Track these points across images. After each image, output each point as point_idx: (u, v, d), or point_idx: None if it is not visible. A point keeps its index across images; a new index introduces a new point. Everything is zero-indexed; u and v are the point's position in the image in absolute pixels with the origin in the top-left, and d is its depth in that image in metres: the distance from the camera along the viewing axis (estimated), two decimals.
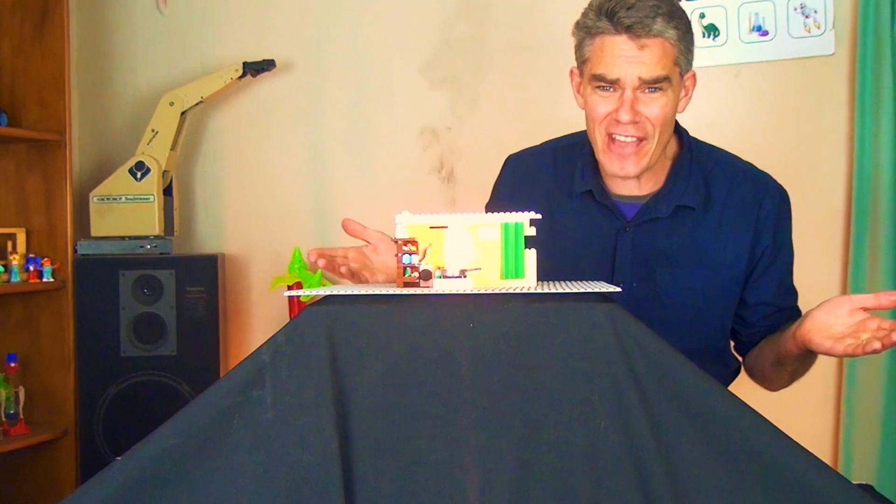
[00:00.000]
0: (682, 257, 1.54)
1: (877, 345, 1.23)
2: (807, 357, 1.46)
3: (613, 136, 1.45)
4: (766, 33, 2.77)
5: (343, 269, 1.48)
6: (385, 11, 3.11)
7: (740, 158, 1.61)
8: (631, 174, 1.48)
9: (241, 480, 1.01)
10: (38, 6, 2.87)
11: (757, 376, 1.64)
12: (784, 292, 1.61)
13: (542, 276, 1.53)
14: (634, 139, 1.44)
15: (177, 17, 3.32)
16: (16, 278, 2.76)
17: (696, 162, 1.56)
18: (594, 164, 1.54)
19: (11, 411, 2.78)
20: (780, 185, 1.60)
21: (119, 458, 1.03)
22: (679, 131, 1.58)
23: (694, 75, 1.50)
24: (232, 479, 1.01)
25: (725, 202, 1.55)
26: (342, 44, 3.16)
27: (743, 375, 1.67)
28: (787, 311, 1.59)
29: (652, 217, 1.54)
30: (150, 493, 1.01)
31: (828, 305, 1.35)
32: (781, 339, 1.48)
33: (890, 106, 2.58)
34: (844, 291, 2.62)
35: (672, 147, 1.56)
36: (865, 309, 1.32)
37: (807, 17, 2.74)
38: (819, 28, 2.73)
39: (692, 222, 1.54)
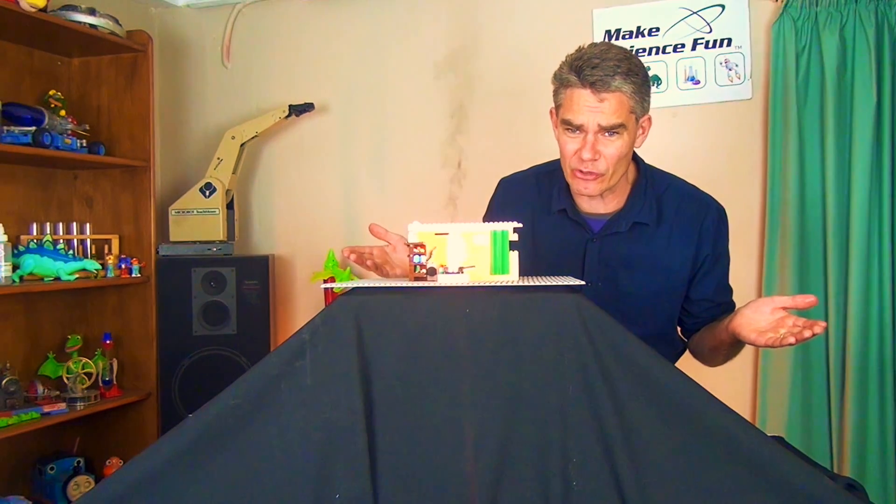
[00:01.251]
0: (639, 263, 1.51)
1: (791, 339, 1.21)
2: (737, 345, 1.43)
3: (578, 169, 1.43)
4: (697, 82, 2.77)
5: (369, 263, 1.47)
6: (401, 65, 3.11)
7: (687, 182, 1.58)
8: (593, 193, 1.46)
9: (287, 432, 1.01)
10: (129, 62, 2.87)
11: (698, 356, 1.62)
12: (721, 291, 1.57)
13: (525, 273, 1.53)
14: (592, 173, 1.42)
15: (237, 70, 3.32)
16: (111, 274, 2.75)
17: (650, 186, 1.53)
18: (568, 188, 1.52)
19: (107, 378, 2.78)
20: (720, 205, 1.57)
21: (191, 415, 1.03)
22: (637, 160, 1.56)
23: (649, 118, 1.46)
24: (280, 432, 1.01)
25: (674, 219, 1.52)
26: (367, 90, 3.16)
27: (687, 353, 1.65)
28: (724, 305, 1.57)
29: (614, 231, 1.51)
30: (215, 442, 1.01)
31: (754, 304, 1.33)
32: (717, 329, 1.46)
33: (795, 139, 2.57)
34: (760, 289, 2.61)
35: (631, 173, 1.54)
36: (785, 308, 1.29)
37: (730, 69, 2.73)
38: (740, 78, 2.72)
39: (647, 235, 1.51)
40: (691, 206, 1.54)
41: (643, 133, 1.48)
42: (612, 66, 1.36)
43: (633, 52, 1.46)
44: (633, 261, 1.51)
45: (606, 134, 1.39)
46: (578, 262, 1.53)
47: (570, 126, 1.41)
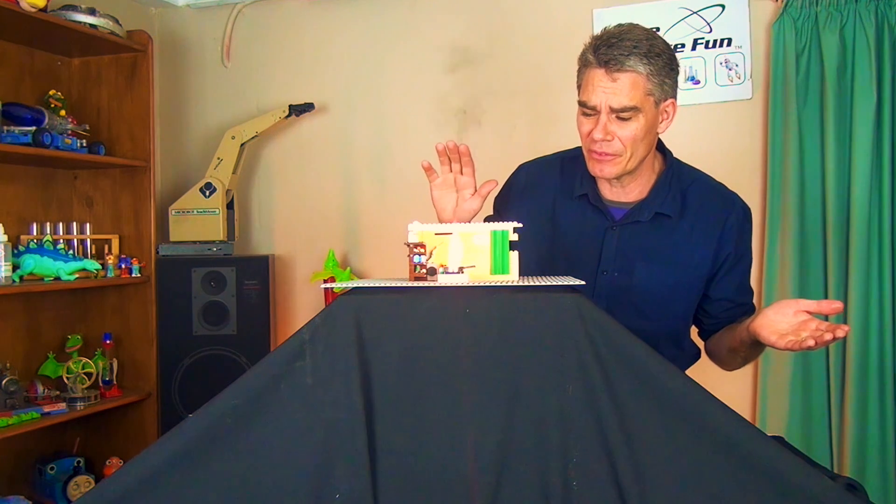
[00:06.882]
0: (657, 255, 1.47)
1: (811, 342, 1.17)
2: (756, 346, 1.38)
3: (592, 150, 1.41)
4: (698, 82, 2.77)
5: (454, 167, 1.55)
6: (401, 65, 3.11)
7: (714, 179, 1.55)
8: (608, 176, 1.43)
9: (287, 432, 1.01)
10: (129, 62, 2.87)
11: (715, 359, 1.58)
12: (742, 291, 1.54)
13: (543, 261, 1.50)
14: (606, 154, 1.40)
15: (237, 70, 3.33)
16: (111, 274, 2.76)
17: (676, 178, 1.50)
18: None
19: (107, 378, 2.79)
20: (746, 205, 1.53)
21: (191, 415, 1.03)
22: (664, 152, 1.53)
23: (673, 103, 1.41)
24: (279, 432, 1.01)
25: (697, 213, 1.48)
26: (367, 90, 3.16)
27: (703, 360, 1.60)
28: (744, 306, 1.53)
29: (635, 220, 1.47)
30: (216, 442, 1.01)
31: (777, 306, 1.29)
32: (737, 330, 1.42)
33: (795, 139, 2.57)
34: (760, 290, 2.61)
35: (658, 165, 1.51)
36: (808, 312, 1.25)
37: (730, 69, 2.74)
38: (740, 78, 2.73)
39: (668, 227, 1.47)
40: (716, 202, 1.50)
41: (667, 118, 1.43)
42: (628, 46, 1.33)
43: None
44: (652, 252, 1.47)
45: (619, 117, 1.36)
46: (596, 250, 1.49)
47: (585, 107, 1.39)
